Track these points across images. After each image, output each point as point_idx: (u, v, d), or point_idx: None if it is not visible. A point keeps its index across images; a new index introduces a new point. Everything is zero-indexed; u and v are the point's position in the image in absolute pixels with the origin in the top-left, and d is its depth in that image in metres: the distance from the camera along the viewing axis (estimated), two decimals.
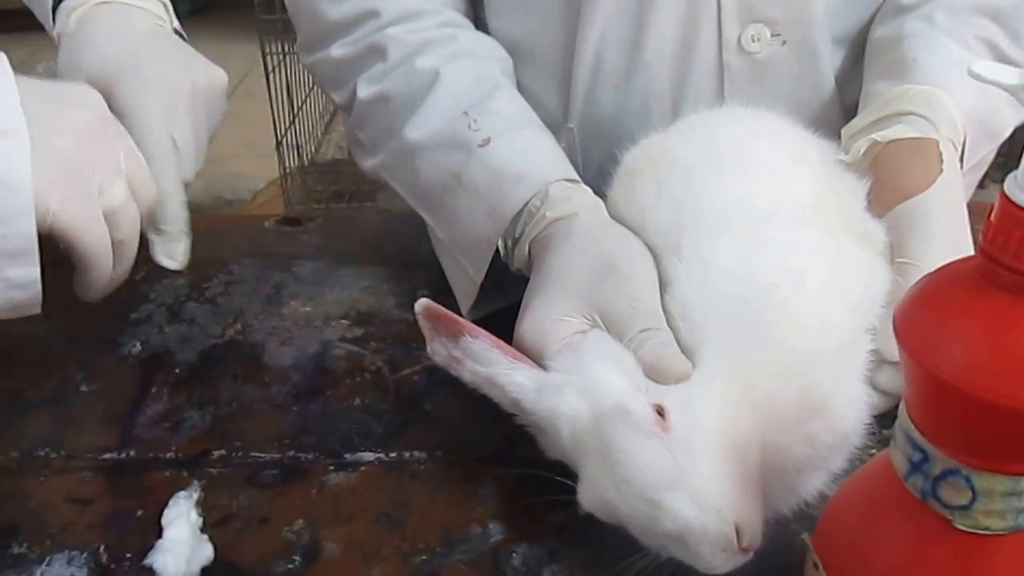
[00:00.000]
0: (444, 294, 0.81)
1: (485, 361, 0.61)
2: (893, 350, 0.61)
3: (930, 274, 0.46)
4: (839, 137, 0.76)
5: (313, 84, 2.42)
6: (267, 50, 2.32)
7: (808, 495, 0.60)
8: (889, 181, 0.68)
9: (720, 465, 0.54)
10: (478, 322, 0.63)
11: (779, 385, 0.58)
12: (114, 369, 0.76)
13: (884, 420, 0.66)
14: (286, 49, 2.32)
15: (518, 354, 0.62)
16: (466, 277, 0.77)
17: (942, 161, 0.67)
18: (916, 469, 0.46)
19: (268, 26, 2.32)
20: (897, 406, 0.67)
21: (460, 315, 0.78)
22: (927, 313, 0.44)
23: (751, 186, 0.65)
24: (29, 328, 0.76)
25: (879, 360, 0.62)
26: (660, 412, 0.56)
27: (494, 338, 0.62)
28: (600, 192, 0.74)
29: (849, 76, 0.89)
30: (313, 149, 2.54)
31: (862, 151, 0.71)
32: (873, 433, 0.63)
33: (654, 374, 0.59)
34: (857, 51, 0.89)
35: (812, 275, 0.61)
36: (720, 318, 0.60)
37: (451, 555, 0.61)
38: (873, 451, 0.65)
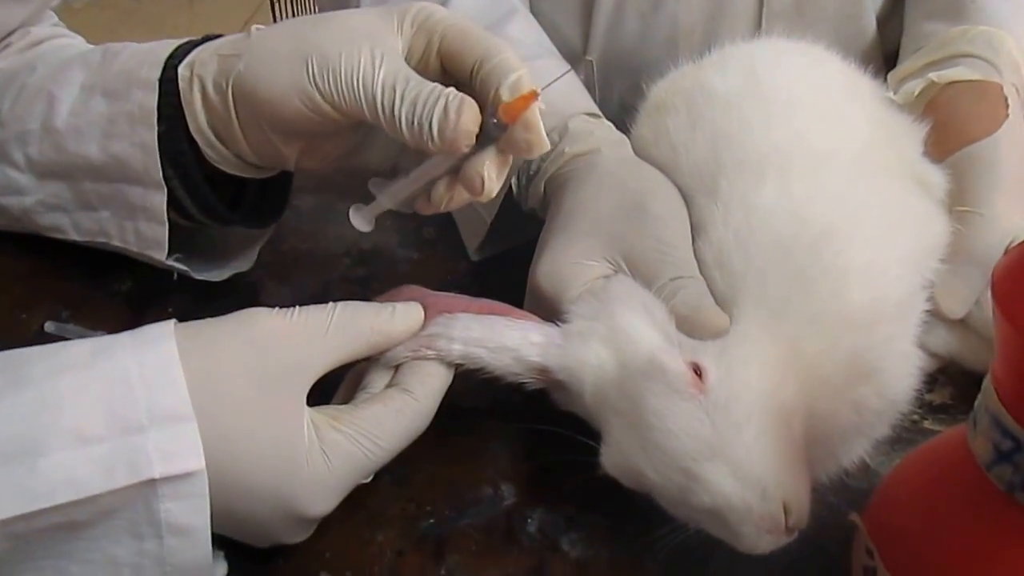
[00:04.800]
0: (450, 231, 0.73)
1: (481, 330, 0.52)
2: (952, 308, 0.56)
3: None
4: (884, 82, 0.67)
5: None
6: None
7: (849, 463, 0.54)
8: (950, 125, 0.60)
9: (764, 434, 0.47)
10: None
11: (827, 345, 0.51)
12: (103, 307, 0.68)
13: (928, 384, 0.59)
14: None
15: (516, 310, 0.54)
16: (474, 215, 0.70)
17: (1007, 106, 0.58)
18: (1004, 459, 0.38)
19: None
20: (941, 368, 0.60)
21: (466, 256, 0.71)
22: None
23: (800, 124, 0.57)
24: (11, 262, 0.69)
25: (932, 320, 0.56)
26: (697, 371, 0.48)
27: (476, 302, 0.54)
28: (622, 128, 0.66)
29: (889, 17, 0.80)
30: None
31: (916, 92, 0.62)
32: (918, 398, 0.55)
33: (688, 328, 0.51)
34: None
35: (868, 224, 0.53)
36: (762, 268, 0.52)
37: (461, 519, 0.54)
38: (915, 417, 0.58)
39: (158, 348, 0.46)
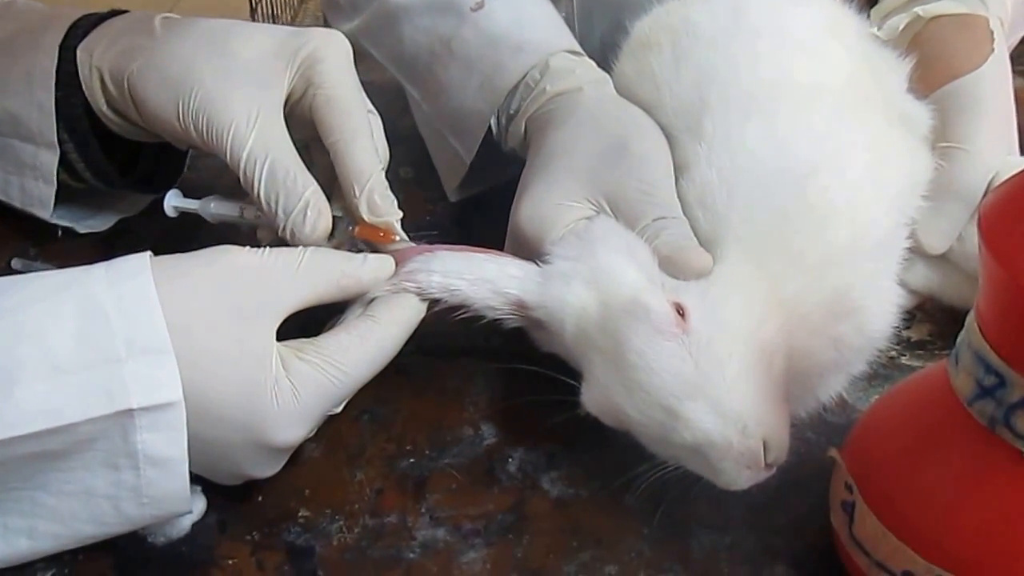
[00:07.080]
0: (428, 173, 0.72)
1: (460, 263, 0.51)
2: (933, 244, 0.56)
3: None
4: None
5: None
6: None
7: (826, 399, 0.53)
8: (935, 60, 0.59)
9: (746, 372, 0.46)
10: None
11: (809, 283, 0.50)
12: (71, 245, 0.66)
13: (906, 320, 0.59)
14: None
15: (494, 252, 0.53)
16: (454, 155, 0.68)
17: (993, 39, 0.57)
18: (986, 394, 0.38)
19: None
20: (919, 305, 0.60)
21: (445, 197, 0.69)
22: (1022, 215, 0.35)
23: (785, 61, 0.55)
24: None
25: (912, 256, 0.55)
26: (679, 311, 0.48)
27: (455, 246, 0.53)
28: (605, 66, 0.64)
29: None
30: (290, 18, 2.35)
31: (901, 27, 0.60)
32: (896, 335, 0.55)
33: (671, 268, 0.51)
34: None
35: (852, 162, 0.52)
36: (746, 207, 0.51)
37: (441, 458, 0.53)
38: (893, 353, 0.58)
39: (135, 279, 0.45)
